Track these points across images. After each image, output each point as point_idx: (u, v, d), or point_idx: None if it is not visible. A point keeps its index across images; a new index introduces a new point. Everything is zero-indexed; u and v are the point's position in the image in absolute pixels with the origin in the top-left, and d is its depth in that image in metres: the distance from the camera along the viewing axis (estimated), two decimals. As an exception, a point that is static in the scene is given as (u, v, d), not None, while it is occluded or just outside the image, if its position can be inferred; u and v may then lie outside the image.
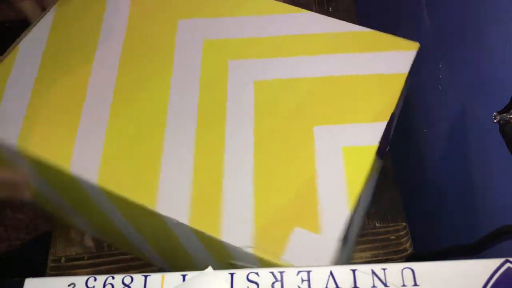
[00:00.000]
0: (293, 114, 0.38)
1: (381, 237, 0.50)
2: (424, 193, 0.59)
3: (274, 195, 0.34)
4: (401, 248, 0.49)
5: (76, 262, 0.50)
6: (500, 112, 0.35)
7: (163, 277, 0.27)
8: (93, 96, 0.40)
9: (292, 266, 0.31)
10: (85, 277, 0.27)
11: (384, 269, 0.26)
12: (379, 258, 0.49)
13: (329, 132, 0.37)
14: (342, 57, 0.41)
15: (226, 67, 0.41)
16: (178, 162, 0.36)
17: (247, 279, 0.26)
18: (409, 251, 0.49)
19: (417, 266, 0.26)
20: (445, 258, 0.43)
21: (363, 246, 0.49)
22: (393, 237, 0.50)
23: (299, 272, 0.27)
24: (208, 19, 0.44)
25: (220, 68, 0.41)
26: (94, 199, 0.38)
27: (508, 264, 0.26)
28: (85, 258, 0.50)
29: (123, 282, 0.26)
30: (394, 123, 0.43)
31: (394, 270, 0.26)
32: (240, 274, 0.26)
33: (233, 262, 0.35)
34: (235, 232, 0.33)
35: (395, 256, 0.49)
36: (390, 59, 0.40)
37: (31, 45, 0.44)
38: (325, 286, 0.26)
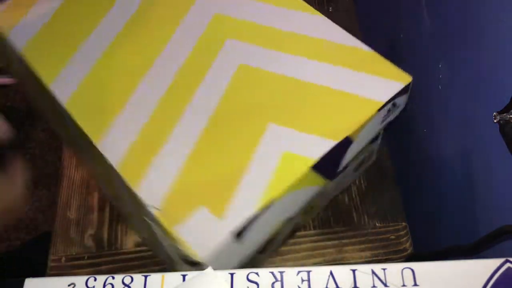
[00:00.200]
0: (256, 104, 0.39)
1: (381, 236, 0.50)
2: (424, 193, 0.59)
3: (200, 172, 0.36)
4: (401, 248, 0.49)
5: (76, 262, 0.50)
6: (500, 112, 0.35)
7: (163, 277, 0.27)
8: (98, 34, 0.44)
9: (183, 239, 0.33)
10: (85, 277, 0.27)
11: (384, 269, 0.26)
12: (379, 258, 0.49)
13: (279, 132, 0.38)
14: (332, 69, 0.41)
15: (221, 44, 0.43)
16: (137, 112, 0.39)
17: (247, 279, 0.26)
18: (409, 251, 0.49)
19: (417, 266, 0.26)
20: (445, 258, 0.43)
21: (363, 246, 0.49)
22: (393, 237, 0.50)
23: (299, 272, 0.27)
24: None
25: (216, 43, 0.43)
26: (65, 119, 0.42)
27: (508, 264, 0.26)
28: (85, 258, 0.50)
29: (123, 282, 0.26)
30: (361, 149, 0.42)
31: (394, 270, 0.26)
32: (240, 274, 0.27)
33: (145, 218, 0.36)
34: (150, 190, 0.35)
35: (395, 256, 0.49)
36: (375, 84, 0.40)
37: None
38: (325, 286, 0.26)
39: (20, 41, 0.43)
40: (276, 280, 0.26)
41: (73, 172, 0.55)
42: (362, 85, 0.40)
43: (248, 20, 0.45)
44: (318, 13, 0.45)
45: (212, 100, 0.40)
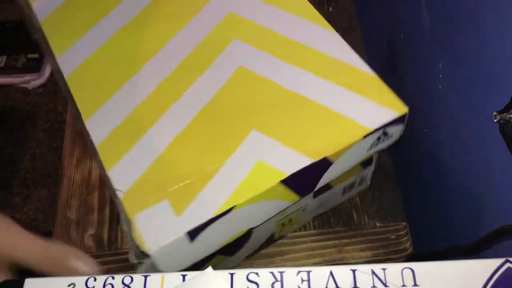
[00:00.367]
0: (245, 109, 0.39)
1: (381, 236, 0.50)
2: (424, 193, 0.59)
3: (173, 166, 0.36)
4: (401, 247, 0.49)
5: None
6: (500, 112, 0.35)
7: (163, 277, 0.27)
8: (113, 16, 0.46)
9: (137, 228, 0.33)
10: (85, 277, 0.27)
11: (384, 269, 0.26)
12: (379, 257, 0.49)
13: (260, 141, 0.37)
14: (329, 86, 0.40)
15: (227, 43, 0.44)
16: (129, 98, 0.40)
17: (247, 279, 0.26)
18: (409, 251, 0.49)
19: (417, 266, 0.26)
20: (445, 258, 0.43)
21: (363, 246, 0.49)
22: (393, 237, 0.50)
23: (299, 272, 0.27)
24: None
25: (222, 41, 0.44)
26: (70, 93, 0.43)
27: (508, 264, 0.26)
28: (85, 258, 0.50)
29: (123, 282, 0.26)
30: (346, 172, 0.41)
31: (394, 270, 0.26)
32: (240, 274, 0.27)
33: (116, 201, 0.36)
34: (122, 174, 0.36)
35: (395, 256, 0.49)
36: (368, 110, 0.39)
37: None
38: (325, 286, 0.26)
39: (41, 14, 0.46)
40: (276, 280, 0.26)
41: (73, 172, 0.55)
42: (355, 108, 0.39)
43: (260, 24, 0.45)
44: (331, 28, 0.44)
45: (204, 98, 0.40)
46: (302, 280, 0.26)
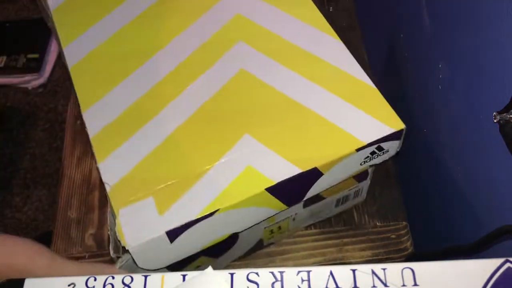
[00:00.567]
0: (241, 112, 0.39)
1: (381, 236, 0.50)
2: (425, 193, 0.59)
3: (163, 165, 0.37)
4: (402, 247, 0.49)
5: (76, 262, 0.50)
6: (500, 112, 0.35)
7: (163, 277, 0.27)
8: (122, 10, 0.46)
9: (120, 222, 0.33)
10: (85, 277, 0.27)
11: (384, 269, 0.26)
12: (380, 257, 0.49)
13: (251, 145, 0.37)
14: (328, 96, 0.40)
15: (232, 45, 0.44)
16: (128, 93, 0.40)
17: (247, 279, 0.26)
18: (409, 250, 0.49)
19: (417, 266, 0.26)
20: (445, 258, 0.43)
21: (363, 245, 0.49)
22: (393, 236, 0.50)
23: (299, 272, 0.27)
24: (255, 0, 0.47)
25: (227, 42, 0.44)
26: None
27: (508, 264, 0.26)
28: (86, 257, 0.50)
29: (123, 282, 0.27)
30: (337, 184, 0.41)
31: (394, 270, 0.26)
32: (240, 274, 0.27)
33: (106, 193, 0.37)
34: (112, 168, 0.36)
35: (396, 255, 0.49)
36: (364, 123, 0.38)
37: None
38: (325, 286, 0.26)
39: (53, 3, 0.47)
40: (276, 280, 0.26)
41: (73, 171, 0.55)
42: (351, 120, 0.38)
43: (266, 27, 0.45)
44: (338, 37, 0.44)
45: (201, 98, 0.40)
46: (302, 280, 0.26)
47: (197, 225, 0.34)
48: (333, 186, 0.41)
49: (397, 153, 0.41)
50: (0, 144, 1.17)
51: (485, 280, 0.26)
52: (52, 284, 0.27)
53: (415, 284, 0.26)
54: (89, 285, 0.26)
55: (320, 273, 0.27)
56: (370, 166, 0.41)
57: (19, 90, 1.24)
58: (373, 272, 0.26)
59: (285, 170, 0.36)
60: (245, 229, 0.39)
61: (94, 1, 0.47)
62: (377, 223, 0.51)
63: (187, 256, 0.37)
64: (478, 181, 0.44)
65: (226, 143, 0.37)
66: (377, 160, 0.40)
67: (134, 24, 0.45)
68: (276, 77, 0.41)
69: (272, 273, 0.27)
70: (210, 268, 0.27)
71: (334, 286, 0.26)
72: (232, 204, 0.35)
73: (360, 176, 0.45)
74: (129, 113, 0.39)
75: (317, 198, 0.43)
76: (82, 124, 0.40)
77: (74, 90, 0.42)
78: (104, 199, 0.53)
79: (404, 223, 0.51)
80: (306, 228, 0.50)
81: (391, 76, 0.66)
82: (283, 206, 0.39)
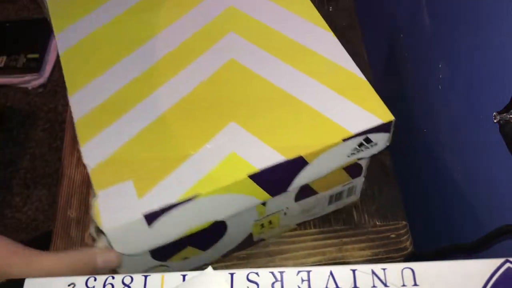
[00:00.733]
0: (228, 100, 0.39)
1: (381, 235, 0.50)
2: (425, 192, 0.59)
3: (145, 148, 0.37)
4: (402, 246, 0.49)
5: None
6: (500, 112, 0.35)
7: (163, 277, 0.27)
8: (117, 0, 0.47)
9: (98, 204, 0.33)
10: (85, 277, 0.27)
11: (384, 269, 0.26)
12: (379, 256, 0.49)
13: (237, 133, 0.37)
14: (317, 86, 0.40)
15: (223, 35, 0.44)
16: (115, 79, 0.41)
17: (247, 279, 0.26)
18: (409, 250, 0.49)
19: (417, 266, 0.27)
20: (445, 258, 0.43)
21: (363, 245, 0.49)
22: (393, 236, 0.50)
23: (299, 272, 0.27)
24: None
25: (220, 32, 0.44)
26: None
27: (508, 264, 0.26)
28: (86, 257, 0.50)
29: (123, 282, 0.27)
30: (325, 176, 0.40)
31: (394, 270, 0.26)
32: (240, 274, 0.27)
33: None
34: (94, 150, 0.37)
35: (396, 255, 0.49)
36: (353, 114, 0.38)
37: None
38: (325, 286, 0.26)
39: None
40: (276, 280, 0.26)
41: (73, 171, 0.55)
42: (340, 111, 0.38)
43: (258, 19, 0.45)
44: (329, 29, 0.44)
45: (189, 85, 0.40)
46: (302, 280, 0.26)
47: (177, 209, 0.34)
48: (321, 178, 0.40)
49: (388, 147, 0.41)
50: (0, 144, 1.17)
51: (485, 280, 0.26)
52: (52, 284, 0.27)
53: (415, 284, 0.26)
54: (89, 285, 0.26)
55: (320, 273, 0.27)
56: (358, 159, 0.41)
57: (19, 90, 1.24)
58: (373, 272, 0.26)
59: (270, 157, 0.36)
60: (230, 218, 0.39)
61: None
62: (377, 223, 0.51)
63: (172, 246, 0.37)
64: (478, 181, 0.44)
65: (211, 130, 0.37)
66: (365, 154, 0.40)
67: (127, 14, 0.46)
68: (265, 68, 0.41)
69: (272, 273, 0.27)
70: (210, 268, 0.27)
71: (334, 286, 0.26)
72: (213, 189, 0.34)
73: (353, 172, 0.44)
74: (116, 98, 0.40)
75: (309, 192, 0.43)
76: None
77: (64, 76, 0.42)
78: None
79: (404, 222, 0.51)
80: (306, 227, 0.50)
81: (391, 76, 0.66)
82: (267, 196, 0.38)
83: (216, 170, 0.35)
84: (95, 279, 0.27)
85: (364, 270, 0.26)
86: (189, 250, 0.41)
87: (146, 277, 0.27)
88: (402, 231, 0.50)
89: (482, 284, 0.26)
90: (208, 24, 0.45)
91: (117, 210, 0.33)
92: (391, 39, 0.63)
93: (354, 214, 0.51)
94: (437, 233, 0.56)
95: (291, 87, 0.40)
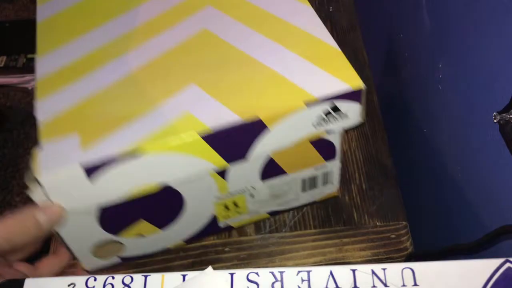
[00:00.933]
0: (193, 65, 0.39)
1: (381, 235, 0.50)
2: (425, 193, 0.59)
3: (99, 106, 0.37)
4: (402, 247, 0.49)
5: (76, 262, 0.50)
6: (500, 112, 0.35)
7: (163, 277, 0.27)
8: None
9: (38, 154, 0.33)
10: (85, 277, 0.27)
11: (384, 269, 0.26)
12: (380, 256, 0.49)
13: (196, 95, 0.37)
14: (287, 54, 0.39)
15: (200, 7, 0.45)
16: (86, 43, 0.41)
17: (247, 279, 0.26)
18: (409, 250, 0.49)
19: (417, 266, 0.27)
20: (445, 258, 0.43)
21: (363, 245, 0.49)
22: (393, 236, 0.50)
23: (299, 272, 0.27)
24: None
25: (196, 6, 0.45)
26: None
27: (508, 264, 0.26)
28: (86, 257, 0.50)
29: (123, 282, 0.27)
30: (289, 148, 0.39)
31: (394, 270, 0.26)
32: (240, 274, 0.27)
33: None
34: (47, 106, 0.37)
35: (396, 255, 0.49)
36: (320, 80, 0.37)
37: None
38: (325, 286, 0.26)
39: None
40: (276, 280, 0.26)
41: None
42: (307, 77, 0.37)
43: None
44: (308, 4, 0.44)
45: (157, 50, 0.41)
46: (302, 280, 0.26)
47: (119, 164, 0.33)
48: (287, 152, 0.39)
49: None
50: (0, 144, 1.17)
51: (485, 280, 0.26)
52: (52, 284, 0.27)
53: (415, 284, 0.26)
54: (89, 285, 0.26)
55: (320, 273, 0.27)
56: (328, 132, 0.39)
57: (19, 90, 1.24)
58: (373, 272, 0.26)
59: (226, 118, 0.35)
60: (184, 187, 0.37)
61: None
62: (377, 223, 0.51)
63: (122, 214, 0.36)
64: (478, 181, 0.44)
65: (169, 91, 0.37)
66: (334, 126, 0.38)
67: None
68: (238, 37, 0.41)
69: (272, 273, 0.27)
70: (210, 268, 0.27)
71: (334, 286, 0.26)
72: (161, 147, 0.33)
73: (324, 151, 0.42)
74: (82, 60, 0.40)
75: (276, 169, 0.41)
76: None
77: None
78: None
79: (404, 223, 0.51)
80: (306, 227, 0.50)
81: (391, 76, 0.66)
82: (223, 162, 0.37)
83: (166, 129, 0.34)
84: (95, 279, 0.27)
85: (364, 270, 0.26)
86: (143, 226, 0.40)
87: (146, 277, 0.27)
88: (402, 232, 0.50)
89: (482, 284, 0.26)
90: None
91: (57, 161, 0.32)
92: (391, 39, 0.63)
93: (354, 215, 0.51)
94: (437, 234, 0.56)
95: (259, 53, 0.40)
